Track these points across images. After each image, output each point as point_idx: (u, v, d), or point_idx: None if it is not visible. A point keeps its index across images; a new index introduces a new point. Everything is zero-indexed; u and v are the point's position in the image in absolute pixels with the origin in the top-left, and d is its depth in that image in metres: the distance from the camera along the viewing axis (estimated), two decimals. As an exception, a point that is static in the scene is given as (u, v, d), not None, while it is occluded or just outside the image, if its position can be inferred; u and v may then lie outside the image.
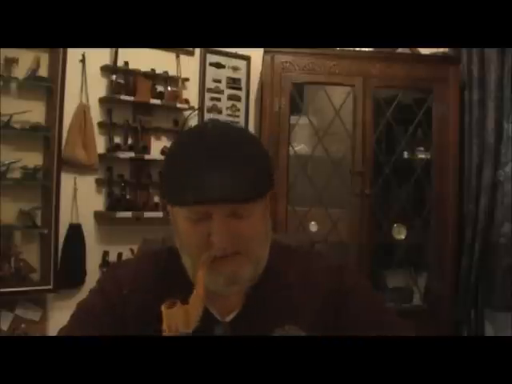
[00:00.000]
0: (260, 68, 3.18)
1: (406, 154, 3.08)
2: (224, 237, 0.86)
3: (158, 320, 0.87)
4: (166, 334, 0.80)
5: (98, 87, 2.94)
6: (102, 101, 2.95)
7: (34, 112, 2.70)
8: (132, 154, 2.96)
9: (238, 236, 0.87)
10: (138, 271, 1.01)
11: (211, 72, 3.34)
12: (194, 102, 3.25)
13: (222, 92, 3.38)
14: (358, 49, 2.92)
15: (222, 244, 0.86)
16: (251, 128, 3.44)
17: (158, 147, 3.12)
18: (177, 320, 0.80)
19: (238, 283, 0.90)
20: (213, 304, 0.94)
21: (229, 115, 3.38)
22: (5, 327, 2.64)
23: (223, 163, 0.84)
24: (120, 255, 2.93)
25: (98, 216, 2.95)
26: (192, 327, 0.81)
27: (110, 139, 2.95)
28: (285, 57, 2.90)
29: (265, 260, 0.93)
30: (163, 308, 0.80)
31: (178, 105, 3.13)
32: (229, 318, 0.95)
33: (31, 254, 2.74)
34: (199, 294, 0.83)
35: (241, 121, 3.42)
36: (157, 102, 3.05)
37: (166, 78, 3.14)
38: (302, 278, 0.99)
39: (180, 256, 0.95)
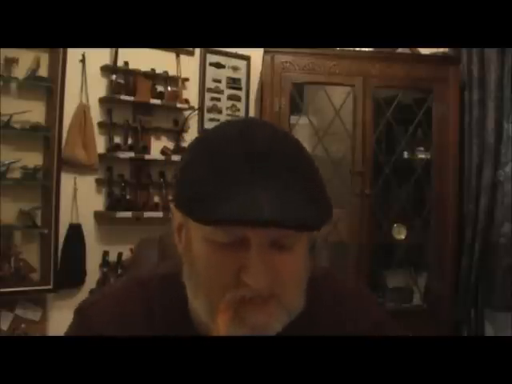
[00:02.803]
0: (260, 68, 3.18)
1: (406, 154, 3.09)
2: (262, 274, 0.64)
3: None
4: None
5: (98, 87, 2.95)
6: (101, 101, 2.95)
7: (34, 112, 2.70)
8: (132, 154, 2.96)
9: (276, 273, 0.66)
10: (118, 313, 0.77)
11: (211, 72, 3.34)
12: (194, 102, 3.25)
13: (222, 92, 3.38)
14: (357, 49, 2.92)
15: (259, 284, 0.64)
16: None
17: (158, 147, 3.12)
18: None
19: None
20: None
21: (229, 115, 3.38)
22: (5, 327, 2.64)
23: (272, 175, 0.63)
24: (120, 255, 2.94)
25: (98, 216, 2.95)
26: None
27: (110, 139, 2.96)
28: (285, 57, 2.90)
29: (299, 309, 0.70)
30: None
31: (178, 105, 3.13)
32: None
33: (31, 254, 2.74)
34: None
35: (241, 121, 3.42)
36: (157, 102, 3.05)
37: (165, 78, 3.13)
38: (329, 320, 0.80)
39: (177, 287, 0.73)
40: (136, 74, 3.02)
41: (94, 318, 0.77)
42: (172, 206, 0.73)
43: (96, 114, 2.94)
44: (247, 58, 3.44)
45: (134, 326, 0.76)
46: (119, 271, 2.93)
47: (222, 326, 0.64)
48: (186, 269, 0.71)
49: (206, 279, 0.67)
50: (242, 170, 0.63)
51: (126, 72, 2.99)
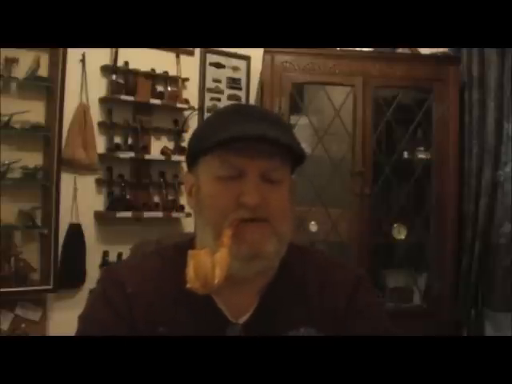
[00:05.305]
0: (260, 68, 3.17)
1: (406, 154, 3.08)
2: (256, 196, 0.82)
3: (169, 319, 0.86)
4: (190, 281, 0.76)
5: (98, 87, 2.95)
6: (101, 101, 2.96)
7: (33, 112, 2.70)
8: (132, 154, 2.97)
9: (268, 200, 0.84)
10: (143, 270, 0.93)
11: (211, 72, 3.34)
12: (194, 102, 3.25)
13: (222, 92, 3.39)
14: (358, 49, 2.92)
15: (253, 202, 0.82)
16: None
17: (158, 147, 3.12)
18: (204, 265, 0.76)
19: (259, 258, 0.84)
20: (225, 303, 0.90)
21: (229, 115, 3.38)
22: (5, 327, 2.64)
23: (260, 120, 0.86)
24: (120, 255, 2.93)
25: (97, 216, 2.95)
26: (219, 281, 0.76)
27: (110, 139, 2.96)
28: (285, 57, 2.90)
29: (287, 240, 0.89)
30: (190, 251, 0.78)
31: (178, 105, 3.13)
32: (242, 320, 0.89)
33: (31, 254, 2.74)
34: (224, 250, 0.78)
35: (241, 121, 3.42)
36: (157, 102, 3.05)
37: (166, 78, 3.14)
38: (318, 278, 0.95)
39: (187, 252, 0.87)
40: (136, 73, 3.02)
41: (122, 275, 0.92)
42: (185, 173, 0.97)
43: (96, 114, 2.94)
44: (247, 58, 3.45)
45: (156, 281, 0.91)
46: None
47: (225, 240, 0.79)
48: (196, 216, 0.90)
49: (212, 209, 0.85)
50: (235, 118, 0.85)
51: (126, 72, 2.99)
